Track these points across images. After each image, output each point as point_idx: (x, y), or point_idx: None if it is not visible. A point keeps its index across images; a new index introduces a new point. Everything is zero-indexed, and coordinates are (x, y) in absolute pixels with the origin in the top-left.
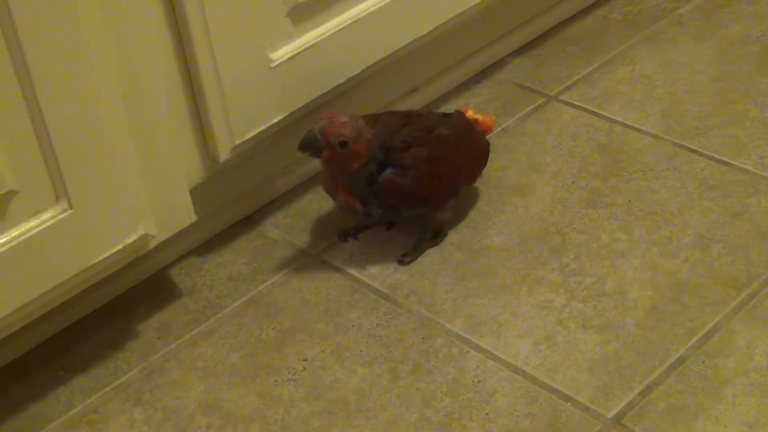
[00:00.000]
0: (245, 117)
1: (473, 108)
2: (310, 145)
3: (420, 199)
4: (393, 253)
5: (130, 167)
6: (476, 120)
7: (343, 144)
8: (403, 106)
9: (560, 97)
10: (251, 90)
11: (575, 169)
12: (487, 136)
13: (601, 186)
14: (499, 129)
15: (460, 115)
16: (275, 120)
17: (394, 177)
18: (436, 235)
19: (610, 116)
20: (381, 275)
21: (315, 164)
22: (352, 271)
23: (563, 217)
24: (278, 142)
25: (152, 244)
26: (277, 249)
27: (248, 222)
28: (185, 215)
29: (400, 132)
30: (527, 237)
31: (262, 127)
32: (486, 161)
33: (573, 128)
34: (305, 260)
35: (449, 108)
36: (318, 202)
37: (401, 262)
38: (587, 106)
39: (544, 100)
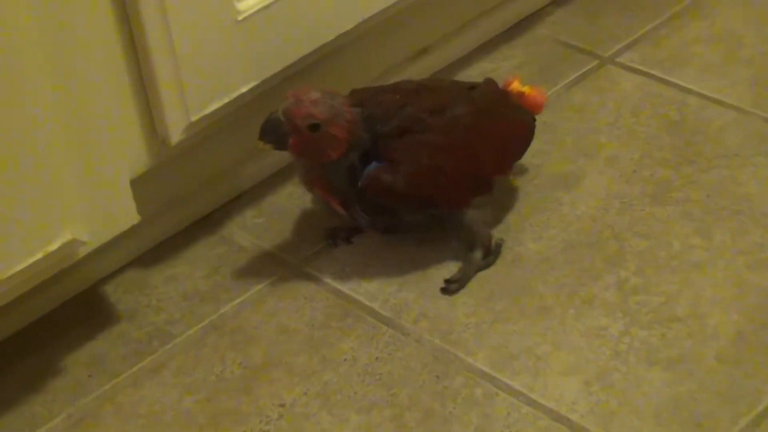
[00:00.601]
0: (204, 86)
1: (519, 77)
2: (273, 132)
3: (422, 201)
4: (398, 263)
5: (52, 152)
6: (521, 94)
7: (314, 127)
8: (410, 72)
9: (617, 59)
10: (212, 51)
11: (637, 153)
12: (536, 114)
13: (671, 176)
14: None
15: (489, 85)
16: (243, 90)
17: (379, 173)
18: (487, 252)
19: (683, 84)
20: (382, 293)
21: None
22: (345, 288)
23: (622, 216)
24: (246, 120)
25: (83, 252)
26: (246, 259)
27: (207, 223)
28: (126, 215)
29: (396, 113)
30: (574, 243)
31: (226, 100)
32: (526, 144)
33: (634, 100)
34: (283, 273)
35: (471, 76)
36: (299, 197)
37: (446, 291)
38: (653, 71)
39: (596, 63)
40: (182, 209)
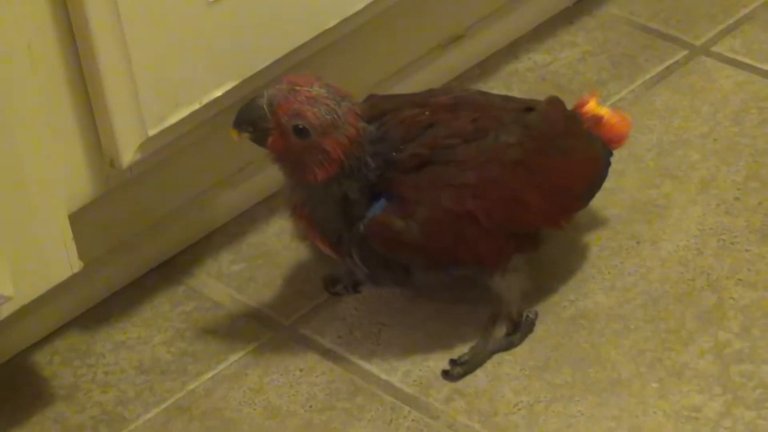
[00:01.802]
0: (165, 90)
1: (597, 96)
2: (250, 121)
3: (441, 257)
4: (423, 322)
5: None
6: (598, 119)
7: (302, 132)
8: (437, 67)
9: (713, 49)
10: (175, 42)
11: (741, 174)
12: (613, 148)
13: None
14: (608, 103)
15: (553, 106)
16: (216, 94)
17: (387, 217)
18: (514, 328)
19: None
20: (403, 362)
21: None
22: (353, 356)
23: (721, 259)
24: (219, 134)
25: (6, 311)
26: (221, 318)
27: (170, 270)
28: (63, 261)
29: (419, 136)
30: (657, 295)
31: (195, 107)
32: (593, 189)
33: (736, 103)
34: (271, 337)
35: (519, 72)
36: (291, 235)
37: (447, 376)
38: (760, 65)
39: (685, 53)
40: (135, 252)
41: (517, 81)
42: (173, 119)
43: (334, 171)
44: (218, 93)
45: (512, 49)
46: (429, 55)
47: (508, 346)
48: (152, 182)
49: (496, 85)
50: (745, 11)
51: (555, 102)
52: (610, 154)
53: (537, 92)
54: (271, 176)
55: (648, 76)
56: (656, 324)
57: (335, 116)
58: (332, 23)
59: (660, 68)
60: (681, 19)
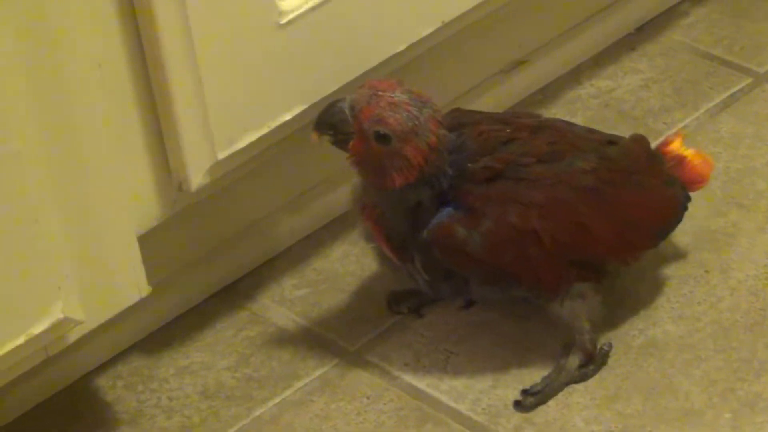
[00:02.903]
0: (236, 113)
1: (682, 136)
2: (331, 125)
3: (501, 273)
4: (493, 349)
5: (37, 202)
6: (680, 159)
7: (384, 138)
8: (501, 91)
9: None
10: (246, 65)
11: None
12: (691, 190)
13: None
14: (670, 132)
15: (636, 143)
16: (286, 117)
17: (452, 225)
18: (588, 359)
19: None
20: (472, 390)
21: (348, 195)
22: (421, 383)
23: None
24: (285, 158)
25: (76, 335)
26: (286, 343)
27: (232, 294)
28: (132, 285)
29: (496, 150)
30: (728, 325)
31: (264, 131)
32: (666, 229)
33: None
34: (337, 363)
35: (581, 97)
36: (355, 259)
37: (518, 406)
38: None
39: (749, 81)
40: (197, 277)
41: (580, 107)
42: (243, 143)
43: (413, 177)
44: (287, 117)
45: (574, 75)
46: (491, 80)
47: (582, 377)
48: (214, 206)
49: (558, 111)
50: None
51: (639, 139)
52: (688, 198)
53: (600, 118)
54: (333, 200)
55: (712, 104)
56: (727, 354)
57: (416, 123)
58: (401, 48)
59: (724, 95)
60: (744, 46)
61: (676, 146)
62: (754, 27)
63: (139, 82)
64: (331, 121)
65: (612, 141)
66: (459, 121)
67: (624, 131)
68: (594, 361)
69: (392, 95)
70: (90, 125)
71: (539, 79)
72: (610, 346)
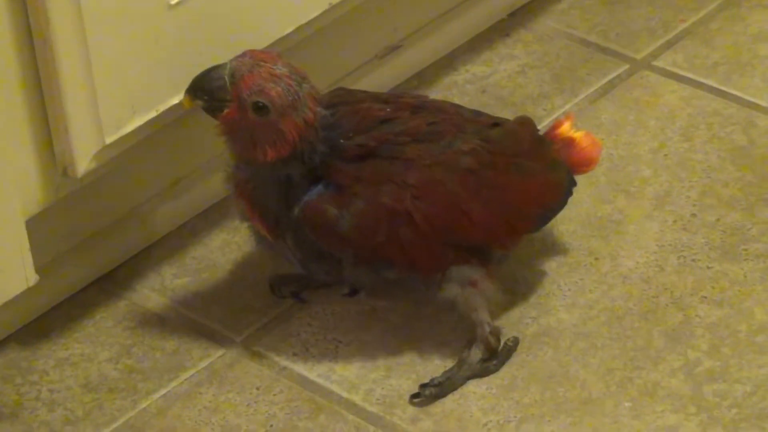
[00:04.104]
0: (124, 95)
1: (572, 118)
2: (207, 90)
3: (372, 254)
4: (384, 337)
5: None
6: (569, 141)
7: (262, 110)
8: (376, 76)
9: (654, 63)
10: (135, 47)
11: (695, 190)
12: (579, 172)
13: (743, 221)
14: (551, 119)
15: (521, 126)
16: (174, 101)
17: (321, 203)
18: (491, 353)
19: (748, 98)
20: (365, 380)
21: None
22: (312, 374)
23: (682, 276)
24: (162, 143)
25: None
26: (169, 333)
27: (111, 284)
28: (18, 274)
29: (372, 128)
30: (621, 312)
31: (152, 114)
32: (547, 215)
33: (683, 118)
34: (223, 353)
35: (458, 83)
36: (236, 248)
37: (415, 399)
38: (704, 80)
39: (626, 67)
40: (75, 266)
41: (457, 93)
42: (131, 127)
43: (286, 152)
44: (175, 100)
45: (448, 61)
46: (367, 65)
47: (484, 372)
48: (90, 193)
49: (435, 97)
50: (684, 25)
51: (524, 122)
52: (574, 183)
53: (478, 104)
54: (209, 188)
55: (591, 90)
56: (623, 342)
57: (296, 98)
58: (289, 30)
59: (603, 82)
60: (619, 32)
61: (566, 129)
62: (627, 13)
63: (24, 62)
64: (209, 87)
65: (497, 123)
66: (340, 99)
67: (504, 117)
68: (497, 356)
69: (273, 67)
70: None
71: (414, 65)
72: (516, 340)
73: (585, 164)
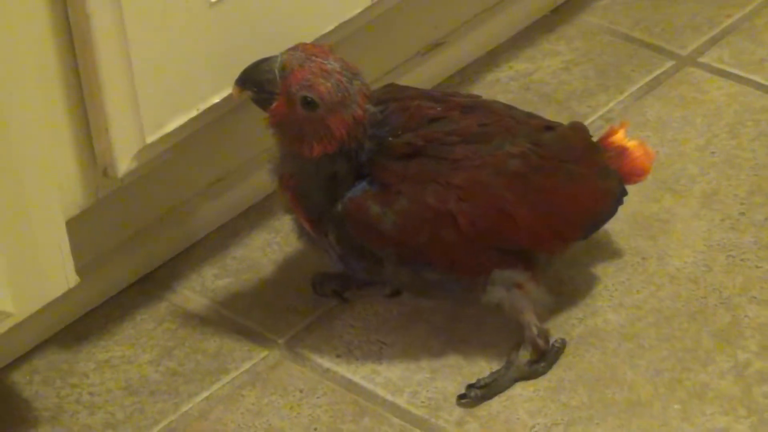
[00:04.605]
0: (165, 95)
1: (626, 126)
2: (257, 82)
3: (414, 255)
4: (428, 339)
5: None
6: (622, 149)
7: (310, 105)
8: (419, 73)
9: (700, 59)
10: (176, 45)
11: (743, 188)
12: (630, 182)
13: None
14: (596, 116)
15: (575, 131)
16: (215, 100)
17: (365, 200)
18: (539, 355)
19: None
20: (409, 382)
21: (265, 180)
22: (356, 376)
23: (731, 276)
24: (202, 142)
25: (3, 328)
26: (211, 335)
27: (151, 285)
28: (59, 275)
29: (421, 127)
30: (669, 313)
31: (192, 113)
32: (596, 222)
33: (730, 115)
34: (266, 355)
35: (501, 81)
36: (278, 248)
37: (462, 399)
38: (751, 76)
39: (672, 64)
40: (115, 267)
41: (500, 90)
42: (172, 126)
43: (332, 149)
44: (216, 99)
45: (491, 58)
46: (409, 62)
47: (532, 374)
48: (129, 193)
49: (478, 94)
50: (730, 21)
51: (578, 127)
52: (624, 192)
53: (521, 101)
54: (250, 187)
55: (636, 87)
56: (671, 343)
57: (346, 94)
58: (330, 28)
59: (648, 78)
60: (664, 28)
61: (620, 137)
62: (671, 9)
63: (64, 60)
64: (259, 79)
65: (549, 127)
66: (390, 95)
67: (547, 115)
68: (545, 358)
69: (325, 62)
70: (12, 107)
71: (457, 61)
72: (564, 342)
73: (637, 174)
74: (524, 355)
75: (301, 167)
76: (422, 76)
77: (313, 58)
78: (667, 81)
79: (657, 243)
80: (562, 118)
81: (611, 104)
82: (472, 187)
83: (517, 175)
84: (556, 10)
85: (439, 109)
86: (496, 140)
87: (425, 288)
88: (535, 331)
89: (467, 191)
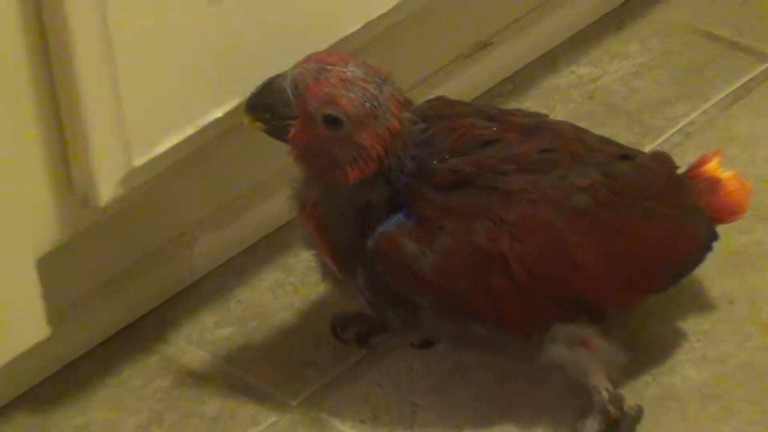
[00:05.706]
0: (156, 109)
1: (721, 155)
2: (268, 106)
3: (456, 304)
4: (464, 403)
5: None
6: (714, 182)
7: (334, 123)
8: (463, 76)
9: None
10: (170, 50)
11: None
12: (722, 221)
13: None
14: (673, 130)
15: (658, 162)
16: (217, 114)
17: (400, 236)
18: (610, 425)
19: None
20: None
21: (278, 208)
22: None
23: None
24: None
25: None
26: (210, 396)
27: (140, 334)
28: (28, 325)
29: (472, 151)
30: (762, 369)
31: (190, 131)
32: (681, 274)
33: None
34: (275, 421)
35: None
36: (290, 290)
37: None
38: None
39: (764, 67)
40: (97, 312)
41: (559, 99)
42: (164, 146)
43: (371, 170)
44: (218, 113)
45: (549, 59)
46: (450, 67)
47: None
48: (115, 225)
49: (532, 104)
50: None
51: (661, 157)
52: (714, 237)
53: (584, 113)
54: (256, 218)
55: (722, 95)
56: (763, 405)
57: (375, 104)
58: (354, 28)
59: (736, 85)
60: (754, 25)
61: (712, 167)
62: (764, 2)
63: (36, 67)
64: (269, 102)
65: (627, 155)
66: (436, 111)
67: (615, 129)
68: (618, 429)
69: (344, 70)
70: None
71: (507, 65)
72: (640, 409)
73: (730, 212)
74: (592, 425)
75: (327, 194)
76: (465, 83)
77: (329, 67)
78: (758, 88)
79: (746, 283)
80: (633, 133)
81: (692, 116)
82: (527, 224)
83: (583, 212)
84: (626, 3)
85: (494, 129)
86: (559, 170)
87: (470, 343)
88: (605, 396)
89: (522, 230)
